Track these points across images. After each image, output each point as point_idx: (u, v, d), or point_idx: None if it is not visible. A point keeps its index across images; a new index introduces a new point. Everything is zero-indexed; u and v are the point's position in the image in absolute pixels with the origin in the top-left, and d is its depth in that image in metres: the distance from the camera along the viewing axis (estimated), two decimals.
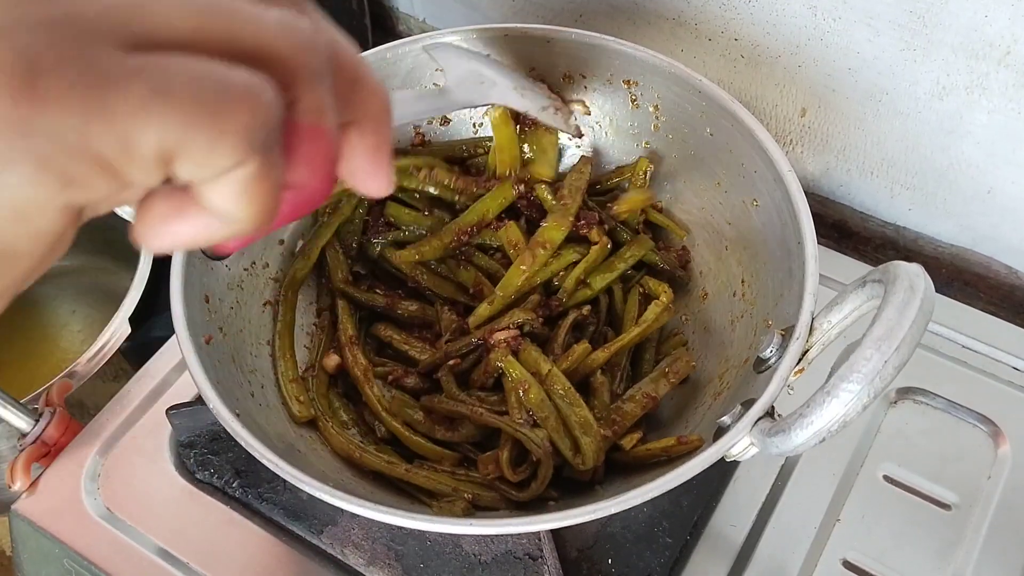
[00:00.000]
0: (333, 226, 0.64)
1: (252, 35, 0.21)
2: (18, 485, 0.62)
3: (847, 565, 0.58)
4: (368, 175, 0.25)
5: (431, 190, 0.66)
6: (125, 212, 0.56)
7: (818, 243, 0.51)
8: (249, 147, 0.20)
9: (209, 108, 0.19)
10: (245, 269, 0.60)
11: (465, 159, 0.69)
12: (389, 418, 0.57)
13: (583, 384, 0.58)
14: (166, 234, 0.22)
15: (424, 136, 0.69)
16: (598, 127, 0.68)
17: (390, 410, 0.58)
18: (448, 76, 0.57)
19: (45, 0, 0.19)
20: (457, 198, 0.66)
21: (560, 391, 0.55)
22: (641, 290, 0.64)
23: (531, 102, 0.61)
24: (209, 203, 0.21)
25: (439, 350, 0.59)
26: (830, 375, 0.40)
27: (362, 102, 0.24)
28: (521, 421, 0.54)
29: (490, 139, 0.69)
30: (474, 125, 0.70)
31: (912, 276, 0.40)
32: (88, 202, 0.20)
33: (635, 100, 0.65)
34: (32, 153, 0.18)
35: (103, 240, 0.89)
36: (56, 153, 0.19)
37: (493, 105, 0.63)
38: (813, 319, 0.47)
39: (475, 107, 0.68)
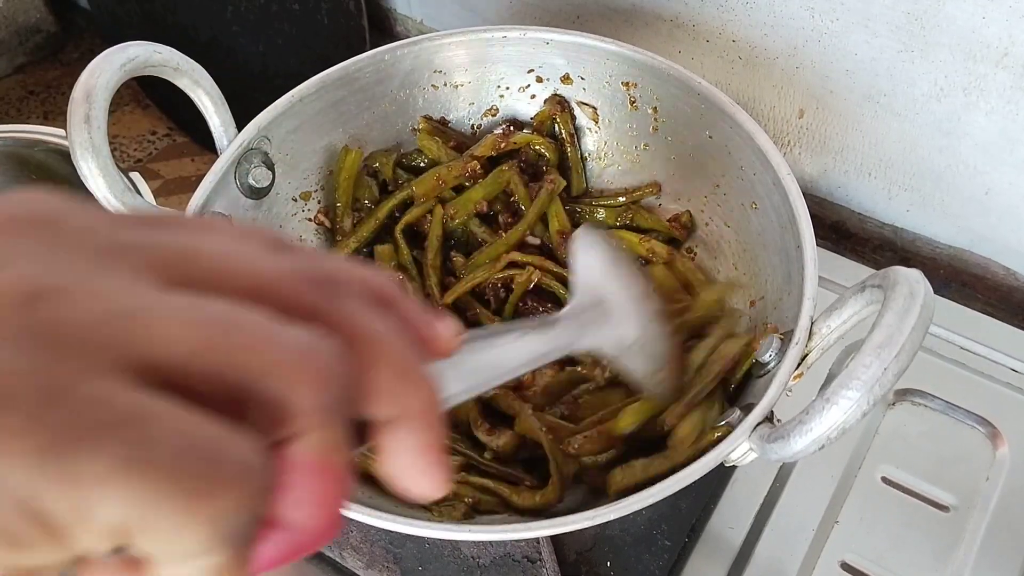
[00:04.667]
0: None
1: (259, 365, 0.18)
2: None
3: (845, 567, 0.59)
4: (418, 477, 0.22)
5: None
6: None
7: (816, 244, 0.51)
8: (222, 539, 0.17)
9: (187, 487, 0.16)
10: None
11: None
12: None
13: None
14: None
15: None
16: (597, 129, 0.68)
17: None
18: (572, 297, 0.44)
19: (43, 302, 0.17)
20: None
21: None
22: None
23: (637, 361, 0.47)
24: None
25: None
26: (828, 379, 0.40)
27: (408, 396, 0.21)
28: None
29: None
30: (472, 127, 0.70)
31: (912, 282, 0.39)
32: (31, 569, 0.17)
33: (634, 102, 0.65)
34: None
35: None
36: (2, 507, 0.16)
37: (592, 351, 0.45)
38: (812, 324, 0.47)
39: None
